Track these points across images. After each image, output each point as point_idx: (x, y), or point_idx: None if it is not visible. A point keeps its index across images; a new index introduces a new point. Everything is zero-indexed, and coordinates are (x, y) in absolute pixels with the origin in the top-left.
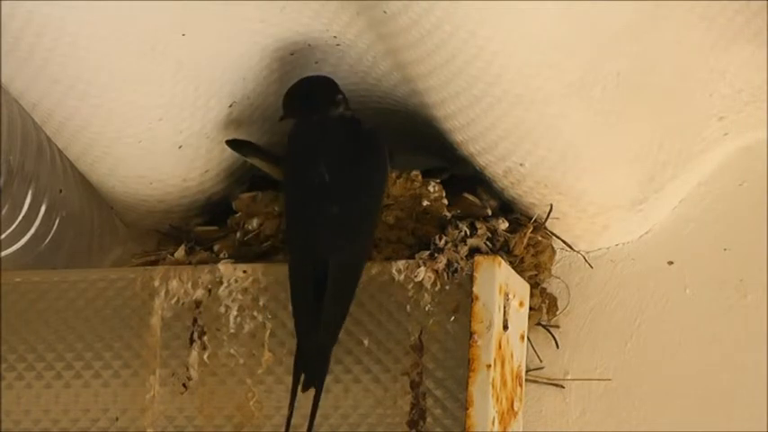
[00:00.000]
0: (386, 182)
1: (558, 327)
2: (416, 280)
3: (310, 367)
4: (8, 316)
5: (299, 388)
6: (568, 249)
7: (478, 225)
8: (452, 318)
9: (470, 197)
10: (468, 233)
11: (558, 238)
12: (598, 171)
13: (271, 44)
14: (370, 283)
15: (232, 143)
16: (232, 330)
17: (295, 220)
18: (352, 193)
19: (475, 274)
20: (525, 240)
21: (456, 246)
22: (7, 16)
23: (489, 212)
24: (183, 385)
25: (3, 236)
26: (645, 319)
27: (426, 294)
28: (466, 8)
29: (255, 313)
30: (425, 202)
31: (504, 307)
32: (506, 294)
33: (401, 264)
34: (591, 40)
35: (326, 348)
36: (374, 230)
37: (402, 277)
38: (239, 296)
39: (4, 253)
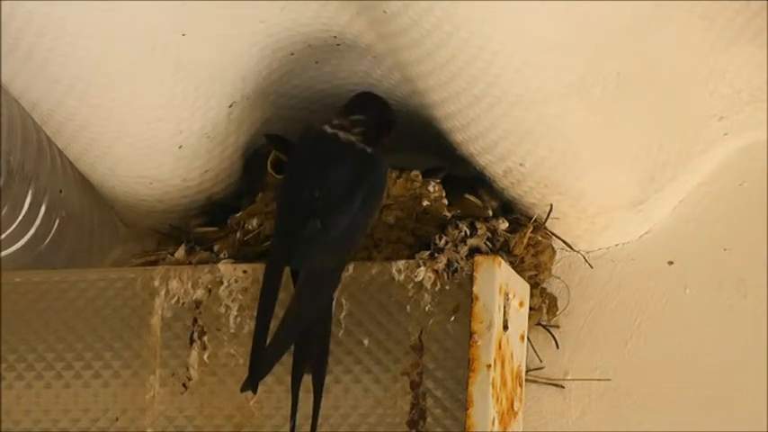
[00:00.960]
0: (378, 207)
1: (558, 327)
2: (416, 280)
3: (255, 370)
4: (8, 316)
5: (241, 386)
6: (568, 249)
7: (478, 225)
8: (452, 318)
9: (472, 198)
10: (468, 233)
11: (558, 238)
12: (598, 171)
13: (271, 44)
14: (371, 283)
15: (271, 138)
16: (232, 330)
17: (278, 228)
18: (338, 212)
19: (475, 274)
20: (525, 240)
21: (456, 246)
22: (7, 16)
23: (490, 214)
24: (183, 385)
25: (3, 236)
26: (645, 319)
27: (426, 294)
28: (466, 8)
29: (255, 313)
30: (425, 202)
31: (504, 307)
32: (506, 294)
33: (401, 264)
34: (591, 40)
35: (278, 354)
36: (354, 249)
37: (402, 277)
38: (239, 296)
39: (4, 253)
